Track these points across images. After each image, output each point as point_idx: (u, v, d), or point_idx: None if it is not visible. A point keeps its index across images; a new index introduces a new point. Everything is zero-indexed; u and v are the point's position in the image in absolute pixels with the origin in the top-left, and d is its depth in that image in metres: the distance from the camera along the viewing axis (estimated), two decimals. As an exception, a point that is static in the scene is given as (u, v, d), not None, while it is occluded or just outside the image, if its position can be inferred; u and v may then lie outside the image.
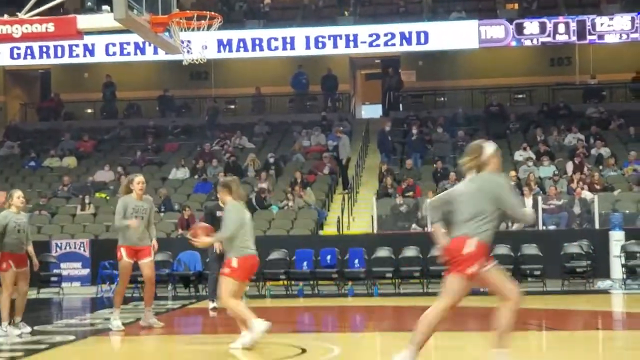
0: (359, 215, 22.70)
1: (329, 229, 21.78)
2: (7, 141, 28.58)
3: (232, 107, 31.93)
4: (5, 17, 14.16)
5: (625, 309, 14.23)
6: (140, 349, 9.89)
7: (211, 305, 13.73)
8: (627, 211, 20.32)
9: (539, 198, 20.56)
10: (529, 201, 20.63)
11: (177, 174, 25.02)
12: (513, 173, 22.35)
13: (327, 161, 24.81)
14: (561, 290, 16.74)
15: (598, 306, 13.76)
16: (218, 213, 13.44)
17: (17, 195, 11.20)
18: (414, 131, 25.76)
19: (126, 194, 11.65)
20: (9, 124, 30.79)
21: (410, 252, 18.29)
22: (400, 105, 30.66)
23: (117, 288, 11.89)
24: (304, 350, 8.96)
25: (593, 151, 24.49)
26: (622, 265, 17.57)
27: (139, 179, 11.74)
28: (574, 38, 27.62)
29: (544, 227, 20.08)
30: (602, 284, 17.13)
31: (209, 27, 14.03)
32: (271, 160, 24.83)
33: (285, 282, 18.02)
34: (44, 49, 28.22)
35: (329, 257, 18.33)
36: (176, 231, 20.92)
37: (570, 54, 30.28)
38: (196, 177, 24.63)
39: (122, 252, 11.49)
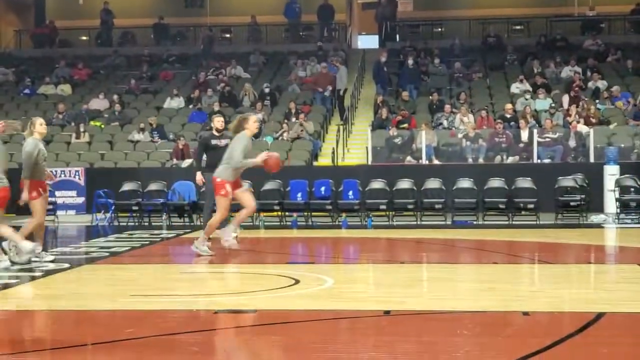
0: (353, 146, 22.68)
1: (324, 161, 21.77)
2: (2, 67, 28.33)
3: (228, 36, 31.67)
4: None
5: (617, 242, 14.30)
6: (134, 276, 9.95)
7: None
8: (623, 145, 20.29)
9: (535, 131, 20.52)
10: (525, 133, 20.62)
11: (171, 103, 24.89)
12: (509, 106, 22.27)
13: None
14: (555, 223, 16.81)
15: (591, 240, 13.83)
16: (212, 142, 13.41)
17: (40, 122, 11.16)
18: (410, 62, 25.56)
19: (237, 132, 11.64)
20: (2, 50, 30.52)
21: (405, 184, 18.32)
22: (397, 36, 30.39)
23: (216, 219, 11.68)
24: (297, 281, 9.02)
25: (590, 84, 24.37)
26: (616, 200, 17.61)
27: (255, 117, 11.87)
28: (573, -31, 27.28)
29: (539, 161, 20.08)
30: (595, 218, 17.20)
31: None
32: (266, 90, 24.69)
33: (279, 213, 18.07)
34: (38, -25, 27.86)
35: (323, 188, 18.35)
36: (170, 160, 20.90)
37: (570, -16, 30.01)
38: (191, 106, 24.50)
39: (228, 188, 11.43)
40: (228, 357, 5.99)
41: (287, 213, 17.95)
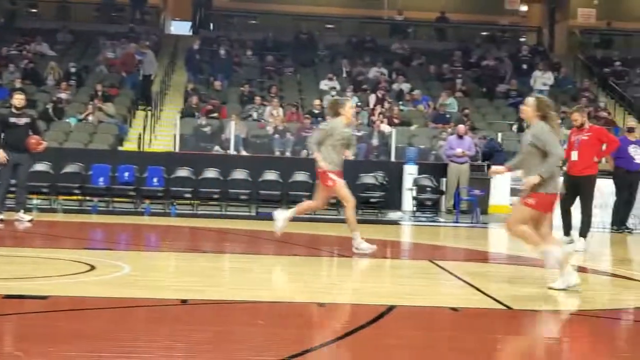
0: (161, 133, 22.38)
1: (130, 146, 21.34)
2: None
3: (34, 10, 30.40)
4: None
5: (412, 239, 14.84)
6: None
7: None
8: (422, 146, 21.12)
9: (340, 128, 20.90)
10: (330, 130, 21.01)
11: (-31, 77, 23.68)
12: (317, 102, 22.65)
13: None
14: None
15: (388, 236, 14.27)
16: (11, 120, 12.82)
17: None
18: (223, 52, 25.49)
19: (334, 116, 10.93)
20: None
21: (211, 173, 18.26)
22: (211, 25, 30.23)
23: (349, 212, 10.98)
24: (92, 267, 8.77)
25: (395, 86, 25.18)
26: (413, 198, 18.28)
27: (351, 102, 11.30)
28: (384, -27, 28.10)
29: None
30: (393, 215, 17.78)
31: None
32: (72, 70, 23.92)
33: (80, 197, 17.54)
34: None
35: (126, 173, 17.99)
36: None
37: (381, -11, 30.89)
38: (-10, 82, 23.41)
39: (334, 177, 10.92)
40: (14, 344, 5.74)
41: (87, 197, 17.45)
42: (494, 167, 9.09)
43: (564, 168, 12.71)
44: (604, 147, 12.82)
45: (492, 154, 20.29)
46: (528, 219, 8.30)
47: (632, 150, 15.54)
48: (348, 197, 10.97)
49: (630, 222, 16.09)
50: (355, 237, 10.96)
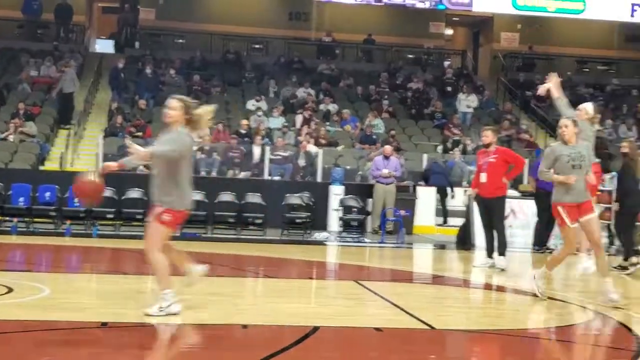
0: (84, 152, 22.03)
1: (51, 165, 20.94)
2: None
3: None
4: None
5: (338, 260, 14.85)
6: None
7: None
8: (348, 167, 21.21)
9: (267, 148, 20.94)
10: (257, 150, 20.99)
11: None
12: (245, 122, 22.59)
13: (54, 93, 23.82)
14: (280, 239, 17.19)
15: (314, 256, 14.26)
16: None
17: None
18: (149, 71, 25.28)
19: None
20: None
21: (135, 193, 18.01)
22: (137, 43, 29.97)
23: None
24: (10, 290, 8.55)
25: (322, 106, 25.28)
26: (340, 219, 18.33)
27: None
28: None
29: (270, 177, 20.50)
30: (319, 235, 17.77)
31: None
32: (-6, 88, 23.45)
33: (-1, 217, 17.15)
34: None
35: (48, 193, 17.63)
36: None
37: (308, 10, 31.01)
38: None
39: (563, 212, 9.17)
40: None
41: (7, 218, 17.05)
42: None
43: (475, 190, 12.92)
44: (510, 168, 13.00)
45: (429, 177, 20.51)
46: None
47: (552, 171, 15.80)
48: None
49: (551, 242, 16.37)
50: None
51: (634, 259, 12.87)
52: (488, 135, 12.90)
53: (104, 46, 32.40)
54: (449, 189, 20.28)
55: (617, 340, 7.47)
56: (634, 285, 11.99)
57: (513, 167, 12.92)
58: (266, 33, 30.75)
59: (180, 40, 30.75)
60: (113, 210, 17.50)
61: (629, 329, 7.69)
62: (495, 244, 12.77)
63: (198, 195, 18.12)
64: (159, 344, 6.42)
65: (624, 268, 12.90)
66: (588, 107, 11.29)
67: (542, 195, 15.96)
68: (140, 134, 21.47)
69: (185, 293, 8.52)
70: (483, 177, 12.61)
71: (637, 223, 13.55)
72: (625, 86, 30.18)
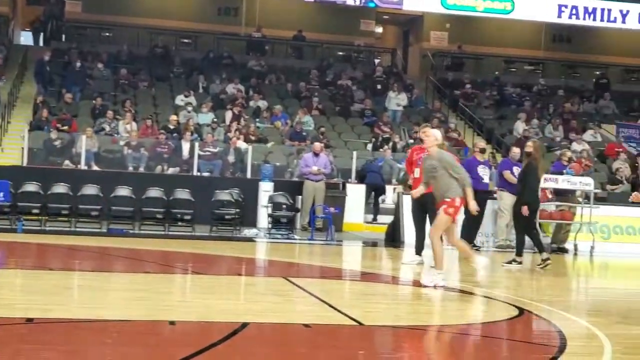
0: (9, 146, 21.58)
1: (-25, 159, 20.48)
2: None
3: None
4: None
5: (267, 256, 14.83)
6: None
7: None
8: (278, 163, 21.18)
9: (196, 144, 20.79)
10: (186, 146, 20.82)
11: None
12: (174, 117, 22.39)
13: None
14: (209, 235, 17.07)
15: (243, 253, 14.20)
16: None
17: None
18: (76, 64, 24.89)
19: None
20: None
21: (60, 188, 17.69)
22: (63, 36, 29.47)
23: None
24: None
25: (252, 103, 25.19)
26: (269, 215, 18.28)
27: None
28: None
29: (199, 173, 20.36)
30: (248, 231, 17.70)
31: None
32: None
33: None
34: None
35: (-29, 188, 17.21)
36: None
37: (238, 4, 30.89)
38: None
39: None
40: None
41: None
42: None
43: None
44: None
45: (365, 175, 20.61)
46: None
47: (480, 170, 16.03)
48: None
49: (478, 240, 16.59)
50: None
51: (545, 255, 13.17)
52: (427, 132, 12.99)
53: (29, 38, 31.77)
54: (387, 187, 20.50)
55: (541, 337, 7.60)
56: (556, 282, 12.23)
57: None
58: (195, 28, 30.52)
59: (107, 34, 30.34)
60: (39, 205, 17.16)
61: (553, 325, 7.82)
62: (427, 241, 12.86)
63: (125, 191, 17.93)
64: (85, 340, 6.31)
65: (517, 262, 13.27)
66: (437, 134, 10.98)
67: (470, 193, 16.18)
68: (66, 128, 21.12)
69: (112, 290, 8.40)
70: (417, 173, 12.67)
71: (536, 220, 13.81)
72: (552, 86, 30.76)
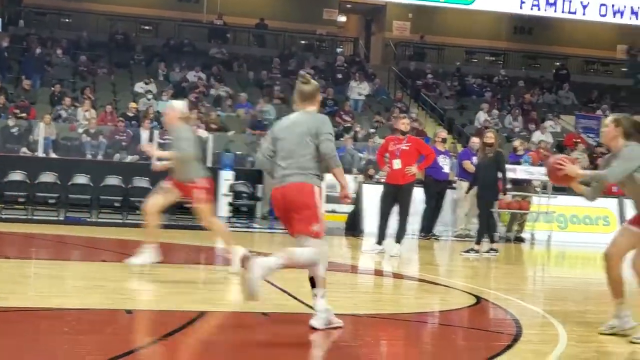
0: (-35, 133, 21.24)
1: None
2: None
3: None
4: None
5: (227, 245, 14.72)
6: None
7: None
8: (239, 152, 21.09)
9: (156, 132, 20.63)
10: (146, 133, 20.65)
11: None
12: (133, 105, 22.20)
13: None
14: (168, 224, 16.88)
15: (202, 242, 14.12)
16: None
17: None
18: (35, 50, 24.58)
19: None
20: None
21: (17, 176, 17.51)
22: (22, 22, 29.07)
23: None
24: None
25: (213, 91, 25.05)
26: (229, 204, 18.22)
27: None
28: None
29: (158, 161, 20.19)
30: (208, 220, 17.58)
31: None
32: None
33: None
34: None
35: None
36: None
37: (200, -9, 30.75)
38: None
39: None
40: None
41: None
42: None
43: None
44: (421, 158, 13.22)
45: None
46: None
47: (441, 160, 16.12)
48: None
49: (437, 229, 16.68)
50: None
51: (484, 245, 13.30)
52: (409, 123, 13.17)
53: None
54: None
55: (497, 325, 7.66)
56: (513, 271, 12.34)
57: (424, 158, 13.14)
58: (156, 14, 30.27)
59: (67, 20, 29.98)
60: (25, 194, 17.03)
61: (509, 313, 7.88)
62: (392, 231, 12.92)
63: (83, 179, 17.76)
64: (43, 329, 6.24)
65: (494, 250, 13.37)
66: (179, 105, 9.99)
67: (430, 183, 16.28)
68: (24, 115, 20.85)
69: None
70: (397, 164, 12.74)
71: (493, 210, 13.92)
72: (513, 77, 30.96)
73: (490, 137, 13.56)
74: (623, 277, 6.88)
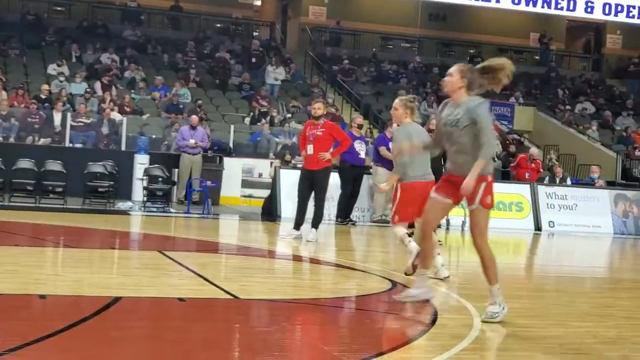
0: None
1: None
2: None
3: None
4: None
5: (142, 229, 14.62)
6: None
7: None
8: (154, 136, 20.87)
9: (69, 114, 20.27)
10: (58, 116, 20.25)
11: None
12: (46, 87, 21.74)
13: None
14: (82, 208, 16.70)
15: (117, 226, 13.96)
16: None
17: None
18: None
19: None
20: None
21: (25, 164, 17.17)
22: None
23: None
24: None
25: (127, 74, 24.70)
26: (144, 188, 18.01)
27: None
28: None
29: (71, 145, 19.86)
30: (122, 205, 17.40)
31: None
32: None
33: None
34: None
35: None
36: None
37: (114, -27, 30.20)
38: None
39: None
40: None
41: None
42: None
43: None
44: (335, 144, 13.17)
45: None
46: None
47: (357, 145, 16.21)
48: None
49: (354, 214, 16.80)
50: None
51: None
52: (320, 108, 12.87)
53: None
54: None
55: (412, 309, 7.75)
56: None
57: (339, 144, 13.01)
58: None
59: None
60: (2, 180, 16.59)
61: (427, 300, 7.99)
62: (309, 216, 12.90)
63: (-6, 162, 17.34)
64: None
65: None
66: None
67: (346, 168, 16.38)
68: None
69: None
70: (310, 149, 12.63)
71: None
72: (428, 64, 31.30)
73: (433, 123, 13.58)
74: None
